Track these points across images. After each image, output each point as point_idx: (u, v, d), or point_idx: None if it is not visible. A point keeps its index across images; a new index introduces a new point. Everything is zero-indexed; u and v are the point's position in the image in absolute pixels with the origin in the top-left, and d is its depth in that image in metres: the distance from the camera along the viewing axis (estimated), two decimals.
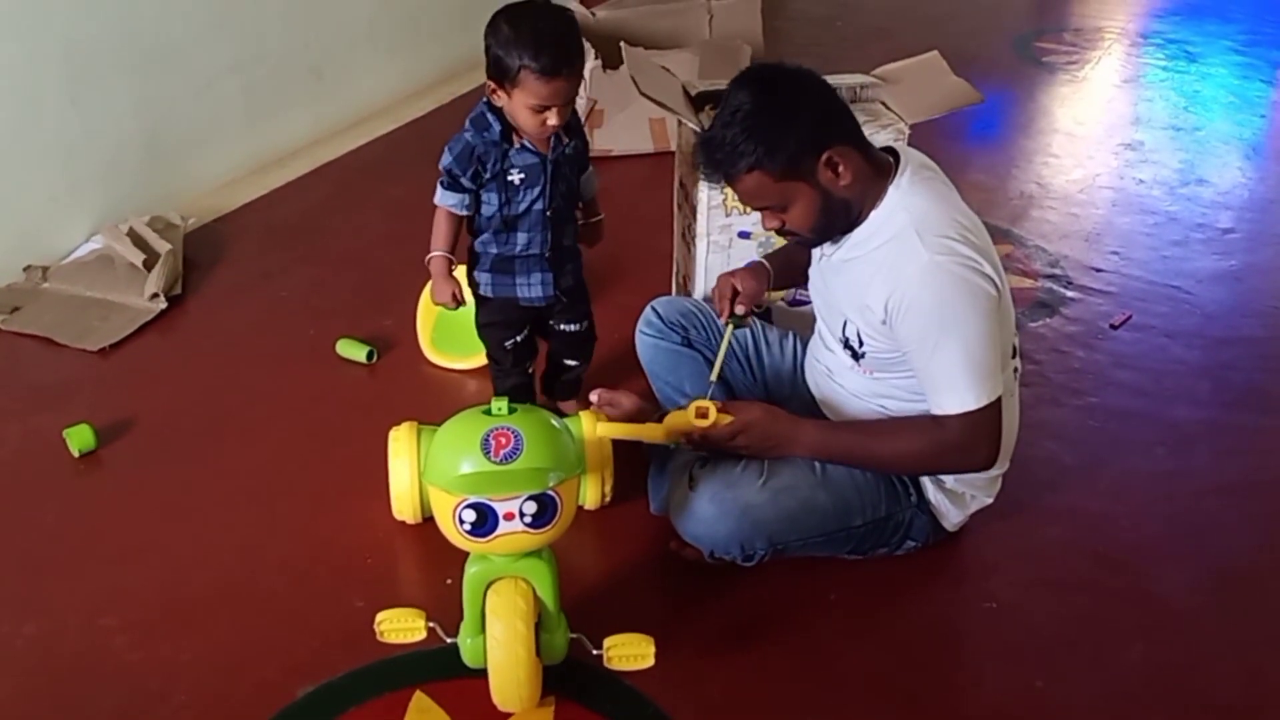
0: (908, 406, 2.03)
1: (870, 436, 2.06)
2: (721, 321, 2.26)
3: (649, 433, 2.11)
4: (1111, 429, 2.66)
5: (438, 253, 2.25)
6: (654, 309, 2.45)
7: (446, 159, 2.16)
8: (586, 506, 2.24)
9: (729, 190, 2.65)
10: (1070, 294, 3.20)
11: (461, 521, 1.78)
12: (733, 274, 2.25)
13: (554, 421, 1.87)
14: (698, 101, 2.68)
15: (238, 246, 3.36)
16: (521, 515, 1.78)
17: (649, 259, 3.05)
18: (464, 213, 2.21)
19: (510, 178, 2.16)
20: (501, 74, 2.05)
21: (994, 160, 4.06)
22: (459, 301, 2.29)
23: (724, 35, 4.28)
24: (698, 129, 2.57)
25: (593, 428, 2.24)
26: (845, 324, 2.04)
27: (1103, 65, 5.08)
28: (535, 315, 2.39)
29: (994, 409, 1.92)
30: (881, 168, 1.95)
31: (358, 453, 2.42)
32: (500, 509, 1.77)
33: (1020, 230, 3.53)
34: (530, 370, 2.48)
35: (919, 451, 2.00)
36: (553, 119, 2.07)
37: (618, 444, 2.22)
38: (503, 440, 1.78)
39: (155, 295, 2.97)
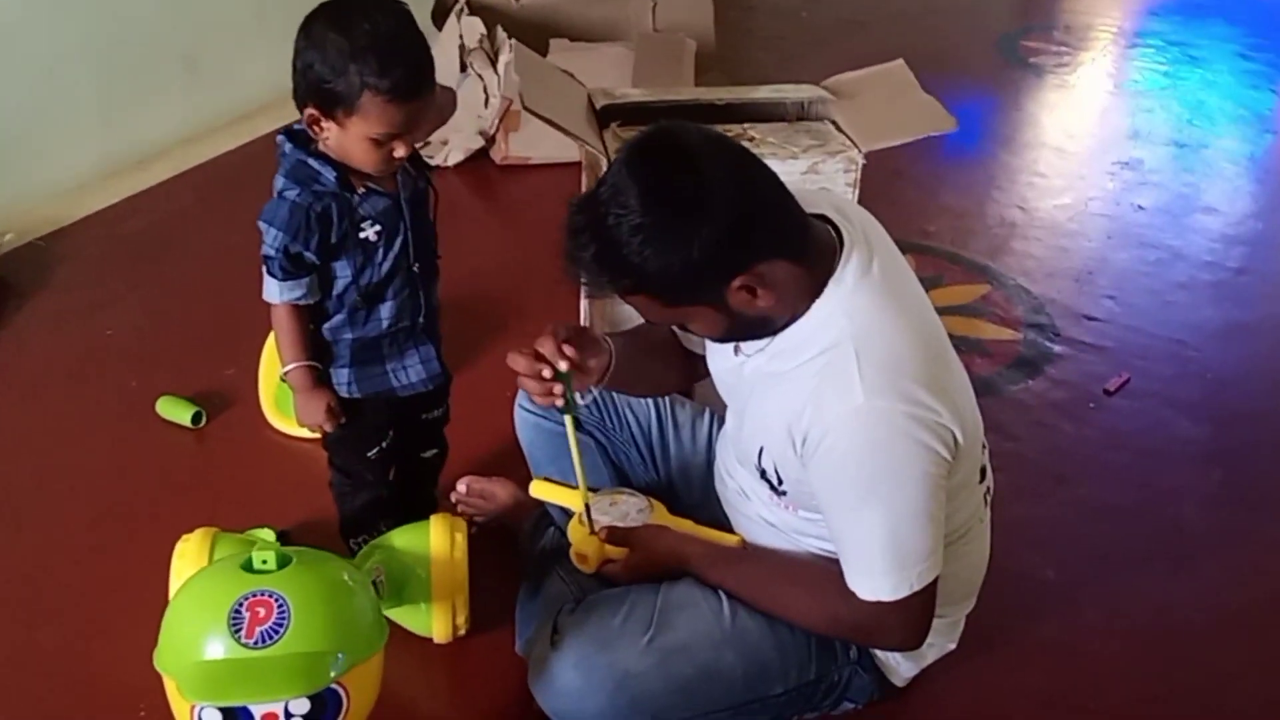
0: None
1: (766, 587, 1.61)
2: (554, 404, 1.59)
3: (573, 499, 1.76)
4: (1102, 533, 2.17)
5: (296, 365, 1.70)
6: None
7: (274, 239, 1.59)
8: (436, 640, 1.78)
9: None
10: (1057, 348, 2.70)
11: None
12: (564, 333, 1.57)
13: (344, 575, 1.36)
14: (604, 116, 2.16)
15: (70, 268, 2.83)
16: (289, 716, 1.28)
17: (561, 296, 2.51)
18: (314, 299, 1.67)
19: (364, 233, 1.63)
20: (331, 100, 1.51)
21: (972, 179, 3.55)
22: (338, 416, 1.74)
23: (669, 26, 3.76)
24: (600, 152, 2.06)
25: (444, 538, 1.75)
26: (762, 452, 1.54)
27: (1096, 68, 4.58)
28: (406, 410, 1.86)
29: (918, 600, 1.45)
30: (821, 257, 1.43)
31: (157, 550, 1.88)
32: (257, 710, 1.27)
33: (999, 266, 3.02)
34: (391, 477, 1.93)
35: (817, 623, 1.59)
36: (400, 150, 1.57)
37: (485, 552, 1.86)
38: (261, 612, 1.27)
39: None
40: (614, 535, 1.68)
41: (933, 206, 3.28)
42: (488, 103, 3.29)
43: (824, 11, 4.87)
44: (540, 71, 2.18)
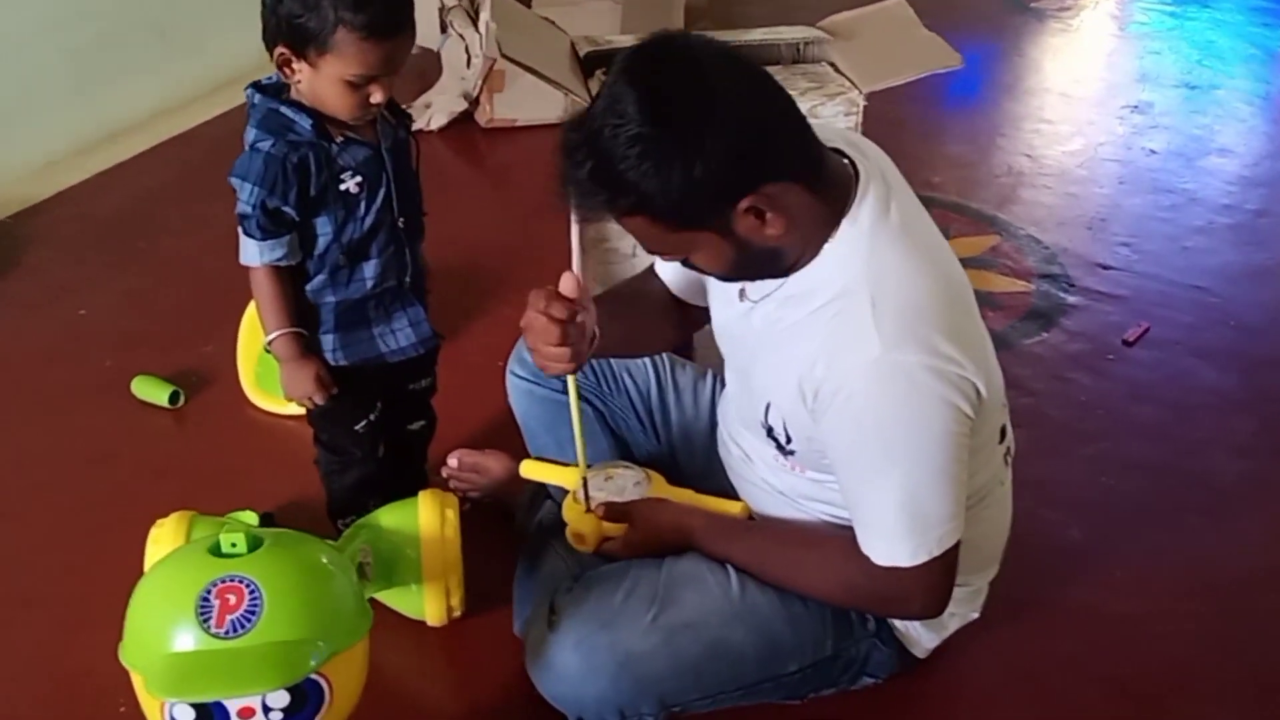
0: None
1: (775, 556, 1.50)
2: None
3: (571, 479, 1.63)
4: (1130, 488, 2.06)
5: (280, 331, 1.57)
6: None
7: (249, 194, 1.47)
8: (429, 623, 1.69)
9: None
10: (1071, 299, 2.59)
11: None
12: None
13: (322, 557, 1.26)
14: (588, 64, 2.04)
15: (41, 248, 2.71)
16: (266, 710, 1.18)
17: (551, 261, 2.40)
18: (297, 259, 1.55)
19: (344, 185, 1.52)
20: (303, 38, 1.41)
21: (975, 128, 3.42)
22: (328, 386, 1.62)
23: None
24: (585, 101, 1.94)
25: (434, 515, 1.65)
26: (769, 409, 1.42)
27: (1100, 11, 4.44)
28: (393, 379, 1.74)
29: (939, 565, 1.35)
30: (836, 190, 1.30)
31: (136, 537, 1.78)
32: (232, 705, 1.16)
33: (1008, 216, 2.90)
34: (382, 454, 1.81)
35: (832, 592, 1.47)
36: (378, 95, 1.46)
37: (480, 529, 1.77)
38: (231, 599, 1.16)
39: None
40: (611, 512, 1.56)
41: (937, 156, 3.16)
42: (470, 63, 3.16)
43: None
44: (519, 18, 2.06)
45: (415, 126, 3.11)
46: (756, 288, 1.39)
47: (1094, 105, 3.61)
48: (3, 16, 2.85)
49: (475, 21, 3.15)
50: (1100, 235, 2.86)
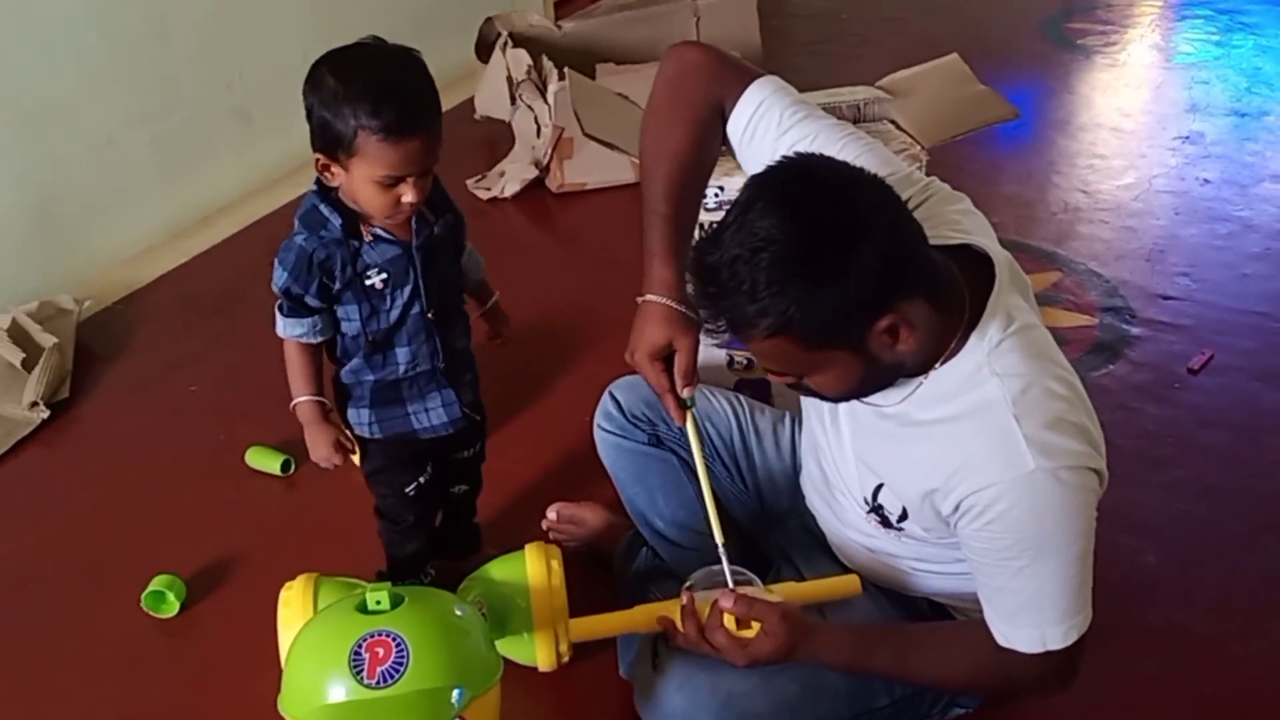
0: (951, 570, 1.52)
1: (911, 657, 1.54)
2: (677, 423, 1.61)
3: (634, 623, 1.63)
4: (1204, 513, 2.12)
5: (303, 398, 1.73)
6: (612, 396, 1.91)
7: (280, 277, 1.62)
8: (540, 669, 1.77)
9: None
10: (1135, 331, 2.66)
11: None
12: (646, 336, 1.55)
13: (457, 610, 1.37)
14: None
15: (146, 330, 2.87)
16: None
17: (626, 317, 2.52)
18: (319, 339, 1.69)
19: (370, 281, 1.63)
20: (333, 142, 1.52)
21: (1029, 166, 3.50)
22: (347, 451, 1.76)
23: (714, 39, 3.75)
24: None
25: (540, 567, 1.76)
26: (880, 489, 1.51)
27: (1145, 44, 4.51)
28: (436, 448, 1.85)
29: (1081, 644, 1.42)
30: (955, 299, 1.37)
31: (259, 600, 1.91)
32: None
33: (1067, 252, 2.98)
34: (438, 522, 1.94)
35: (973, 684, 1.59)
36: (409, 195, 1.54)
37: (578, 578, 1.79)
38: (380, 652, 1.28)
39: (35, 403, 2.49)
40: (754, 606, 1.49)
41: (995, 197, 3.24)
42: (540, 132, 3.30)
43: (864, 12, 4.85)
44: (596, 97, 2.19)
45: (491, 194, 3.30)
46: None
47: (1146, 138, 3.68)
48: (95, 114, 3.03)
49: (543, 93, 3.29)
50: (1159, 266, 2.93)
